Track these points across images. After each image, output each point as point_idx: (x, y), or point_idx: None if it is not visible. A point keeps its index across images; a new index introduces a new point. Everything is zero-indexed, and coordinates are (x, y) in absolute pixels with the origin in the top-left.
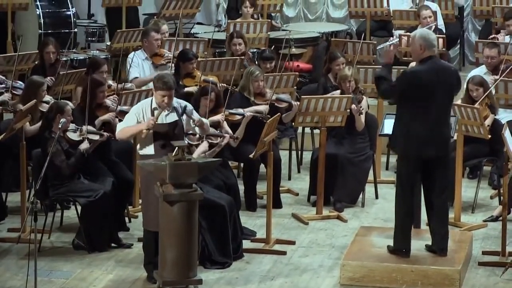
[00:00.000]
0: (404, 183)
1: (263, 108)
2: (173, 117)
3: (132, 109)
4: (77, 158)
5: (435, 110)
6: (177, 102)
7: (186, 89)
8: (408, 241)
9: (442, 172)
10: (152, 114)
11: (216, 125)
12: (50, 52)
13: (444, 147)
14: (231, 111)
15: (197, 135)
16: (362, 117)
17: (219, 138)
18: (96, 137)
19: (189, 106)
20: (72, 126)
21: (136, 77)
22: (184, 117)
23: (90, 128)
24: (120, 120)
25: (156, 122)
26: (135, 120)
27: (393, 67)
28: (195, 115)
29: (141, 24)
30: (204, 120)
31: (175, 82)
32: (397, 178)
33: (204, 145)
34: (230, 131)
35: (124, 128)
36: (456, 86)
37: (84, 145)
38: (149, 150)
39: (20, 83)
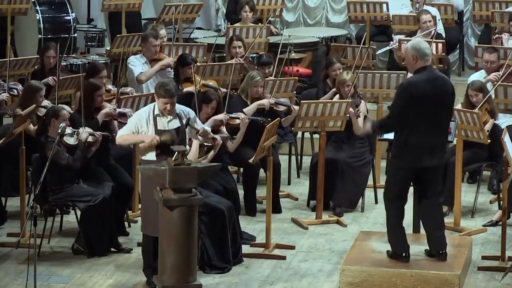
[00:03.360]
0: (396, 190)
1: (265, 102)
2: (175, 123)
3: (135, 114)
4: (81, 149)
5: (433, 120)
6: (180, 109)
7: (186, 89)
8: (407, 245)
9: (437, 177)
10: (155, 121)
11: (216, 126)
12: (50, 57)
13: (441, 156)
14: (231, 115)
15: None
16: (360, 121)
17: (211, 140)
18: (91, 139)
19: (192, 115)
20: (68, 130)
21: (141, 72)
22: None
23: (87, 129)
24: (119, 122)
25: (161, 136)
26: (137, 127)
27: (393, 71)
28: (199, 124)
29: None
30: (207, 129)
31: (177, 89)
32: (389, 186)
33: (195, 143)
34: (225, 132)
35: (125, 136)
36: (451, 96)
37: (84, 135)
38: (151, 155)
39: (20, 86)
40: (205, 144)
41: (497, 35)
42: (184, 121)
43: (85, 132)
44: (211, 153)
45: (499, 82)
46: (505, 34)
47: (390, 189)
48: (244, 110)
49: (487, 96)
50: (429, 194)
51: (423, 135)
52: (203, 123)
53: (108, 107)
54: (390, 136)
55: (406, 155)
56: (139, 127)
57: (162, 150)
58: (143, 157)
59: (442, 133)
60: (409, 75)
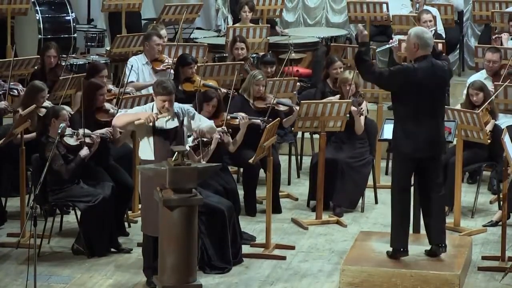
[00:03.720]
0: (401, 182)
1: (258, 122)
2: (174, 122)
3: (134, 108)
4: (77, 163)
5: (432, 109)
6: (179, 107)
7: (187, 89)
8: (406, 240)
9: (438, 169)
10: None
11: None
12: (51, 56)
13: (441, 145)
14: (231, 115)
15: (191, 137)
16: (362, 120)
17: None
18: (89, 140)
19: (191, 112)
20: (68, 130)
21: (132, 81)
22: (185, 122)
23: (87, 131)
24: None
25: (157, 120)
26: None
27: None
28: (201, 121)
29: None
30: (204, 128)
31: (175, 87)
32: (392, 178)
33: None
34: (225, 128)
35: (120, 116)
36: (448, 80)
37: (84, 152)
38: (149, 155)
39: (20, 87)
40: (204, 140)
41: (496, 35)
42: (181, 119)
43: (85, 149)
44: (211, 147)
45: (505, 84)
46: (505, 34)
47: (394, 183)
48: (240, 123)
49: (490, 99)
50: (430, 185)
51: (422, 124)
52: None
53: (104, 130)
54: (390, 136)
55: (406, 145)
56: None
57: (158, 132)
58: (143, 157)
59: (440, 122)
60: None
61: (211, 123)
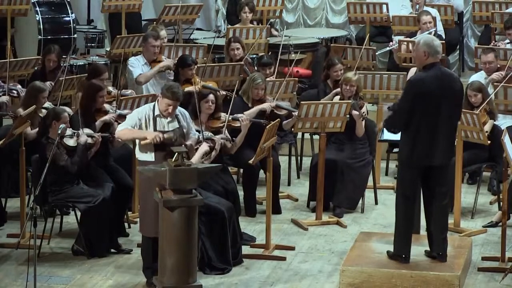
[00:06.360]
0: (406, 189)
1: (266, 106)
2: (174, 124)
3: (135, 111)
4: (80, 153)
5: (440, 118)
6: (178, 109)
7: (186, 89)
8: (408, 247)
9: (444, 177)
10: (154, 122)
11: (218, 129)
12: (51, 60)
13: (448, 154)
14: (232, 116)
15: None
16: (362, 122)
17: (211, 142)
18: (90, 140)
19: (187, 115)
20: (68, 131)
21: (140, 74)
22: (185, 124)
23: (87, 130)
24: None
25: (163, 140)
26: (137, 123)
27: (393, 72)
28: (192, 128)
29: None
30: (190, 140)
31: (182, 94)
32: (398, 185)
33: (204, 146)
34: (228, 135)
35: (127, 130)
36: (459, 93)
37: (83, 138)
38: (149, 156)
39: (19, 87)
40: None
41: (493, 42)
42: (181, 123)
43: (83, 135)
44: (213, 153)
45: (502, 83)
46: (502, 43)
47: (399, 191)
48: (245, 113)
49: (488, 98)
50: (433, 194)
51: (429, 132)
52: (206, 120)
53: (108, 116)
54: (390, 136)
55: (412, 153)
56: (141, 122)
57: (162, 147)
58: (140, 158)
59: (449, 131)
60: (409, 75)
61: (195, 137)
